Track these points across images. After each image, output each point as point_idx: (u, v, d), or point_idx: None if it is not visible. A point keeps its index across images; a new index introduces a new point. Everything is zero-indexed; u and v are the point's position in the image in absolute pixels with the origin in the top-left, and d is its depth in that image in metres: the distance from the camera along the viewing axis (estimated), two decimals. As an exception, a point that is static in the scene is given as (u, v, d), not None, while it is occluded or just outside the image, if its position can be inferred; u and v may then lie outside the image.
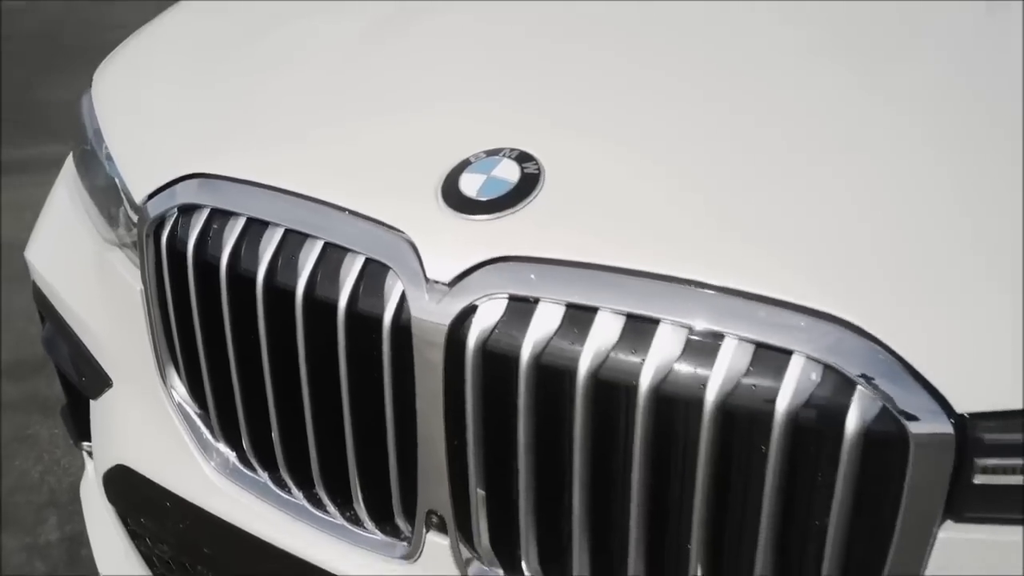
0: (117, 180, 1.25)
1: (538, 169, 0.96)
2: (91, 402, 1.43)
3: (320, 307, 1.00)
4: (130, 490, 1.32)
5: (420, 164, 1.00)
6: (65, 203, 1.49)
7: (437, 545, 1.04)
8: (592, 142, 1.00)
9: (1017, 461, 0.79)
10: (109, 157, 1.29)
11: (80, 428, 1.53)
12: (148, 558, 1.43)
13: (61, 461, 2.33)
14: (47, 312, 1.51)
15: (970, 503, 0.81)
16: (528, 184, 0.95)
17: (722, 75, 1.08)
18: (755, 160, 0.95)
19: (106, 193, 1.30)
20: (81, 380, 1.43)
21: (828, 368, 0.81)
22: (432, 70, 1.17)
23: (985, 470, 0.81)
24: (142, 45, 1.47)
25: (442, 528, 1.03)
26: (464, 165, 0.98)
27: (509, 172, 0.96)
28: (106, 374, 1.35)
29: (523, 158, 0.98)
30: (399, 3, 1.35)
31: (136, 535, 1.42)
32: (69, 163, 1.54)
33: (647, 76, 1.09)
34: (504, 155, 0.98)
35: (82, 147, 1.40)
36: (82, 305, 1.38)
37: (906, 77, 1.04)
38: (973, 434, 0.79)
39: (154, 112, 1.28)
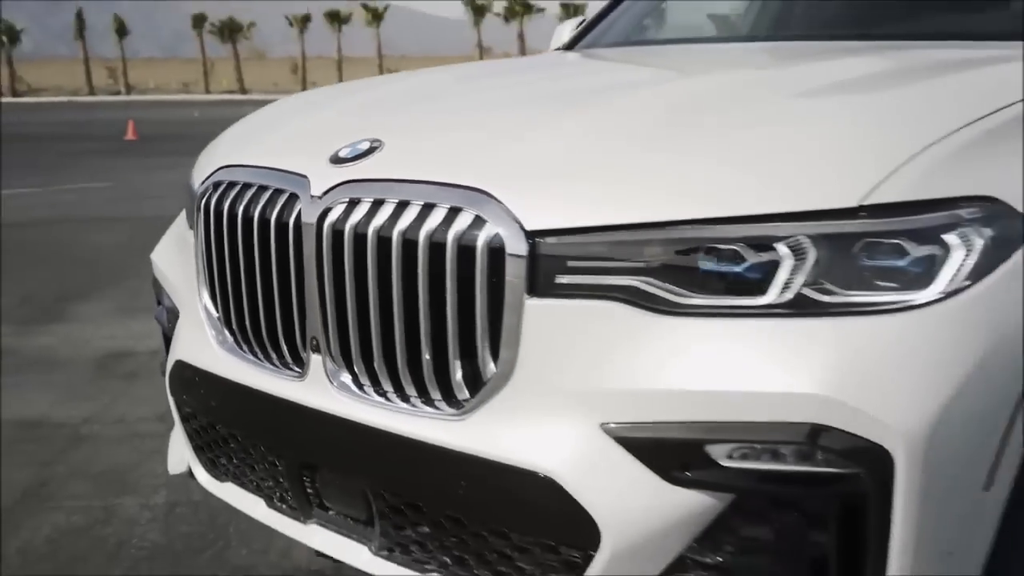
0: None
1: (380, 145, 1.80)
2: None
3: (265, 222, 1.84)
4: (180, 376, 2.15)
5: (330, 149, 1.85)
6: (176, 224, 2.43)
7: (316, 362, 1.81)
8: (413, 138, 1.84)
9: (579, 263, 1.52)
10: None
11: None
12: (191, 435, 2.23)
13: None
14: (159, 293, 2.41)
15: (549, 289, 1.53)
16: (371, 151, 1.78)
17: (508, 105, 1.92)
18: (481, 135, 1.77)
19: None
20: (169, 327, 2.31)
21: (477, 217, 1.57)
22: (364, 114, 2.05)
23: (561, 274, 1.53)
24: (224, 134, 2.42)
25: (319, 350, 1.80)
26: (346, 146, 1.83)
27: (363, 146, 1.80)
28: (177, 310, 2.22)
29: (375, 141, 1.81)
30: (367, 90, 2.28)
31: (185, 419, 2.23)
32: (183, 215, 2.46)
33: (466, 112, 1.94)
34: (366, 141, 1.82)
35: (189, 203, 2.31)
36: (172, 272, 2.27)
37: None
38: (542, 246, 1.52)
39: (215, 153, 2.21)
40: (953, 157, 1.54)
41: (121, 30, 68.74)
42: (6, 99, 48.44)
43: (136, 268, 6.27)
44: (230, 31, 70.92)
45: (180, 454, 2.34)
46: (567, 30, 3.52)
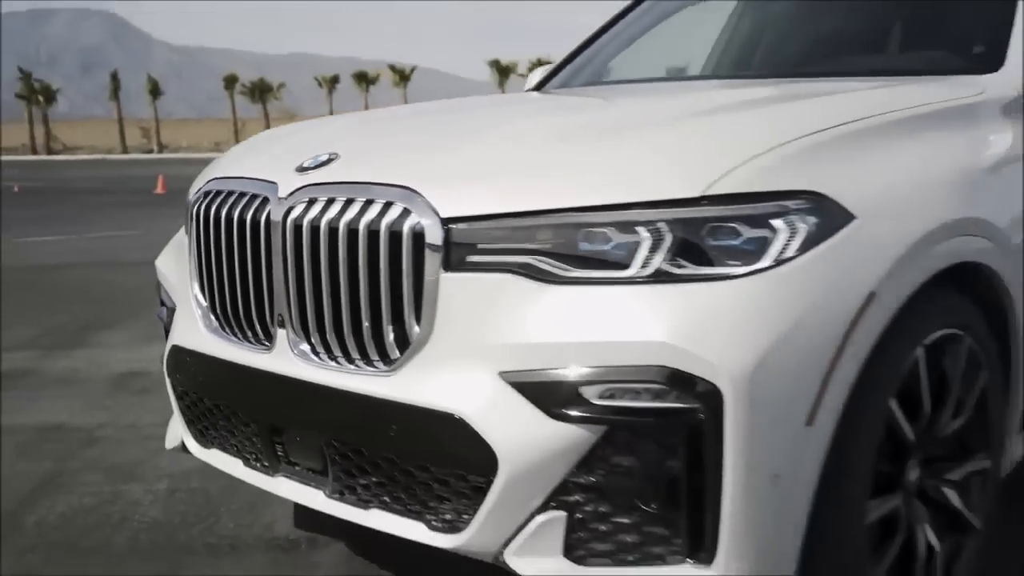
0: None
1: (336, 156, 2.19)
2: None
3: (243, 221, 2.24)
4: (175, 359, 2.53)
5: (297, 162, 2.25)
6: (176, 236, 2.83)
7: (281, 336, 2.19)
8: (362, 152, 2.24)
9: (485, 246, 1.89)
10: None
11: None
12: (183, 411, 2.60)
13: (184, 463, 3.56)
14: (161, 294, 2.80)
15: (461, 265, 1.91)
16: (329, 161, 2.18)
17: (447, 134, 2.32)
18: (416, 148, 2.16)
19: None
20: (168, 321, 2.70)
21: (405, 208, 1.96)
22: (329, 137, 2.45)
23: (470, 253, 1.91)
24: (217, 159, 2.82)
25: (283, 325, 2.18)
26: (309, 159, 2.23)
27: (323, 158, 2.20)
28: (175, 305, 2.61)
29: (333, 154, 2.21)
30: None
31: (179, 397, 2.61)
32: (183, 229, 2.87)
33: (409, 133, 2.33)
34: (325, 154, 2.22)
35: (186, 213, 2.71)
36: (171, 274, 2.67)
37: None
38: (455, 231, 1.90)
39: (207, 172, 2.61)
40: (784, 161, 1.91)
41: (155, 91, 70.55)
42: (41, 157, 49.84)
43: (155, 304, 6.71)
44: (261, 92, 72.57)
45: (175, 431, 2.71)
46: (538, 75, 3.94)
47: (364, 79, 73.86)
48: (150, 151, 64.69)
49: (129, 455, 3.66)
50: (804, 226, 1.85)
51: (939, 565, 2.23)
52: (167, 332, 2.71)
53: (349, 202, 2.05)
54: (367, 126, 2.63)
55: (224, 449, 2.49)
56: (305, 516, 3.04)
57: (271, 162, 2.39)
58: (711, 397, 1.76)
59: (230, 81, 73.12)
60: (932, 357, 2.09)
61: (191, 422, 2.59)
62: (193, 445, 2.58)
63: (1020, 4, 2.76)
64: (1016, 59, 2.64)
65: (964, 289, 2.19)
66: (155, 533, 2.95)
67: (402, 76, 71.99)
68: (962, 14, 3.00)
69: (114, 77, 71.32)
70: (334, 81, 73.02)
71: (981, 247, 2.16)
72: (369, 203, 2.02)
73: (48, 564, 2.77)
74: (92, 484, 3.37)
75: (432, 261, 1.92)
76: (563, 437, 1.83)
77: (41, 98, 63.34)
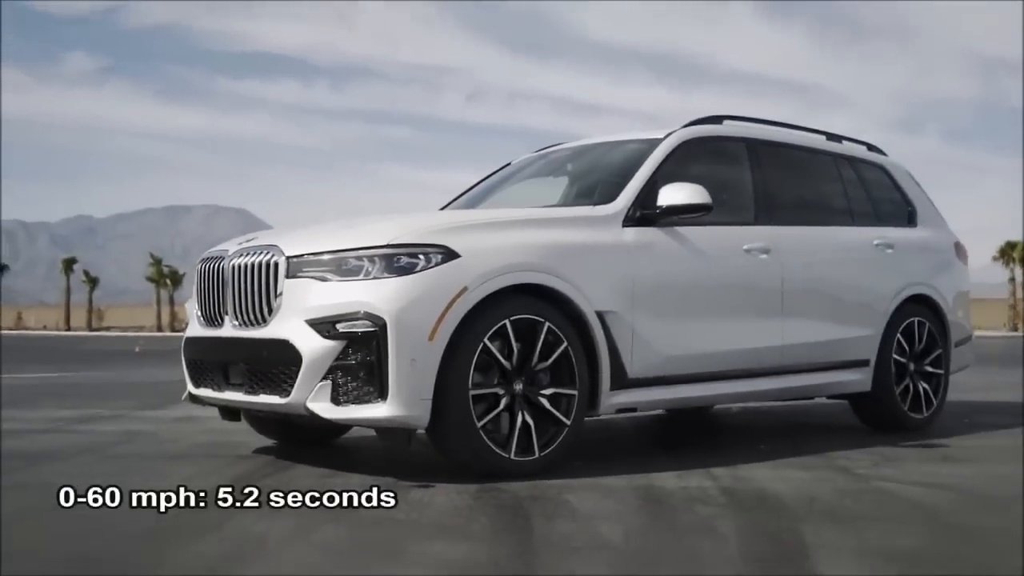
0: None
1: (255, 237, 4.79)
2: (187, 337, 5.24)
3: (213, 268, 4.84)
4: (186, 344, 5.09)
5: (240, 241, 4.85)
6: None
7: (226, 319, 4.73)
8: (268, 235, 4.84)
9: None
10: None
11: (186, 353, 5.32)
12: (189, 370, 5.13)
13: (200, 438, 6.07)
14: (186, 318, 5.40)
15: (295, 275, 4.45)
16: (252, 239, 4.77)
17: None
18: (290, 232, 4.77)
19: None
20: (187, 332, 5.27)
21: (272, 254, 4.53)
22: (259, 233, 5.07)
23: (299, 270, 4.46)
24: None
25: (228, 313, 4.73)
26: (245, 239, 4.83)
27: (251, 238, 4.80)
28: (188, 321, 5.20)
29: (255, 236, 4.82)
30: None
31: (187, 362, 5.14)
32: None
33: (295, 227, 4.95)
34: (252, 237, 4.82)
35: None
36: (189, 307, 5.27)
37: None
38: (292, 261, 4.46)
39: (205, 253, 5.24)
40: (431, 231, 4.44)
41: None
42: (166, 333, 54.80)
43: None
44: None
45: (184, 393, 5.25)
46: (448, 200, 6.53)
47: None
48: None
49: (172, 436, 6.19)
50: (435, 258, 4.35)
51: (535, 435, 4.54)
52: (187, 341, 5.30)
53: (254, 253, 4.63)
54: (278, 228, 5.25)
55: (203, 385, 5.01)
56: (260, 450, 5.50)
57: (230, 244, 5.00)
58: (383, 326, 4.22)
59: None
60: (517, 327, 4.49)
61: (191, 376, 5.14)
62: (192, 388, 5.12)
63: (635, 176, 5.26)
64: (622, 200, 5.12)
65: (542, 296, 4.61)
66: (178, 453, 5.44)
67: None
68: (612, 183, 5.47)
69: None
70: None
71: (544, 278, 4.59)
72: (260, 252, 4.59)
73: (113, 464, 5.24)
74: (148, 443, 5.88)
75: (282, 274, 4.47)
76: (329, 346, 4.30)
77: (169, 282, 69.12)
